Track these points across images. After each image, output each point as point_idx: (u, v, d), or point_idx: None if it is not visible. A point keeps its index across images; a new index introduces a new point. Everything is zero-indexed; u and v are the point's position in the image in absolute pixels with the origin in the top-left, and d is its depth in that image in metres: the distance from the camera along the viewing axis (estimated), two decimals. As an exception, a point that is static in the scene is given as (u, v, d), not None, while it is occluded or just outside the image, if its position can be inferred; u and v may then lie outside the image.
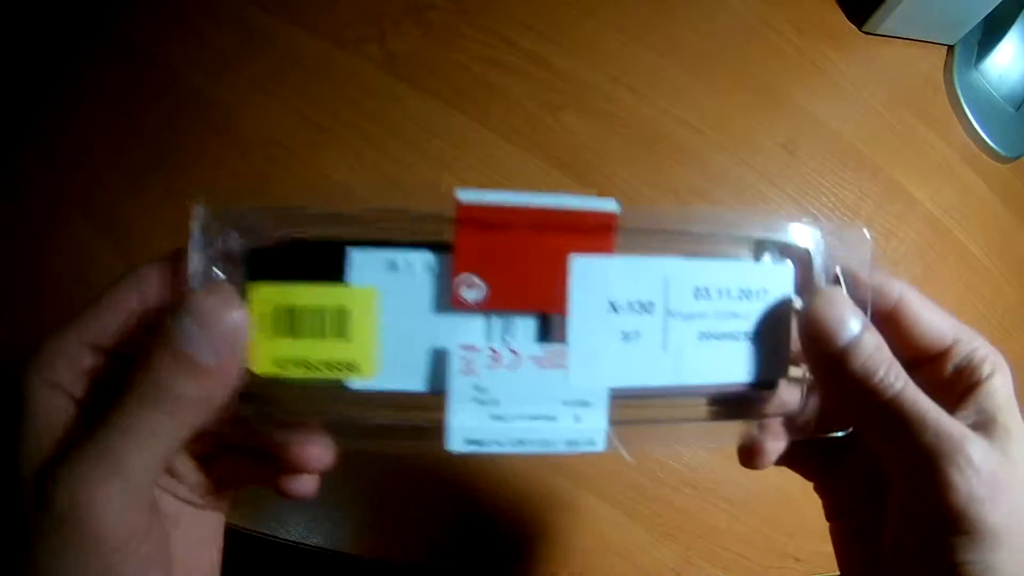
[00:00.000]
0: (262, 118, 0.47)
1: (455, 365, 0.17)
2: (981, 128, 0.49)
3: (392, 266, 0.17)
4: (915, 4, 0.46)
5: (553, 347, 0.18)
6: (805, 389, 0.20)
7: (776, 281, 0.20)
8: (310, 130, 0.47)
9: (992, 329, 0.46)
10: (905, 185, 0.47)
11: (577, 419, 0.18)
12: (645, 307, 0.18)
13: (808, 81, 0.49)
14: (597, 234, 0.18)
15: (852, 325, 0.18)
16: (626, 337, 0.18)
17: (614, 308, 0.18)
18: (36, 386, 0.17)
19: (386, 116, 0.47)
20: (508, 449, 0.18)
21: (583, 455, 0.40)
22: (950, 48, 0.51)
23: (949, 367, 0.19)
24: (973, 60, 0.51)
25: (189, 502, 0.20)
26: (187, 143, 0.48)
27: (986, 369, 0.19)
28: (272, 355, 0.17)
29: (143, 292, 0.19)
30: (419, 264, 0.17)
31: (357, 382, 0.17)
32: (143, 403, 0.16)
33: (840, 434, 0.20)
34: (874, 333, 0.18)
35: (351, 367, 0.17)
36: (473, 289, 0.17)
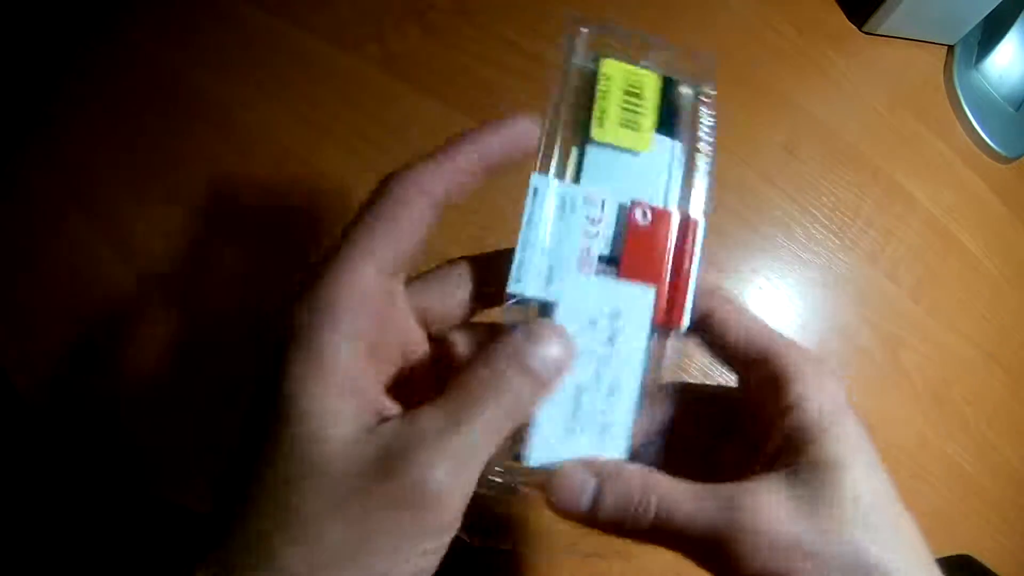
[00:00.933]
0: (262, 118, 0.47)
1: None
2: (981, 128, 0.49)
3: None
4: (915, 4, 0.46)
5: None
6: None
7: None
8: (310, 130, 0.47)
9: (992, 329, 0.46)
10: (905, 185, 0.47)
11: None
12: None
13: (808, 81, 0.49)
14: None
15: (586, 490, 0.20)
16: None
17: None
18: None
19: (386, 116, 0.47)
20: None
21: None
22: (950, 48, 0.51)
23: (758, 385, 0.20)
24: (973, 60, 0.51)
25: None
26: (187, 143, 0.48)
27: (793, 392, 0.19)
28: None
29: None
30: None
31: None
32: (491, 399, 0.17)
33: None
34: (614, 481, 0.20)
35: None
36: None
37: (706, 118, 0.22)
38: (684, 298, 0.21)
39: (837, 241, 0.45)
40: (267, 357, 0.17)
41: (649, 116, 0.21)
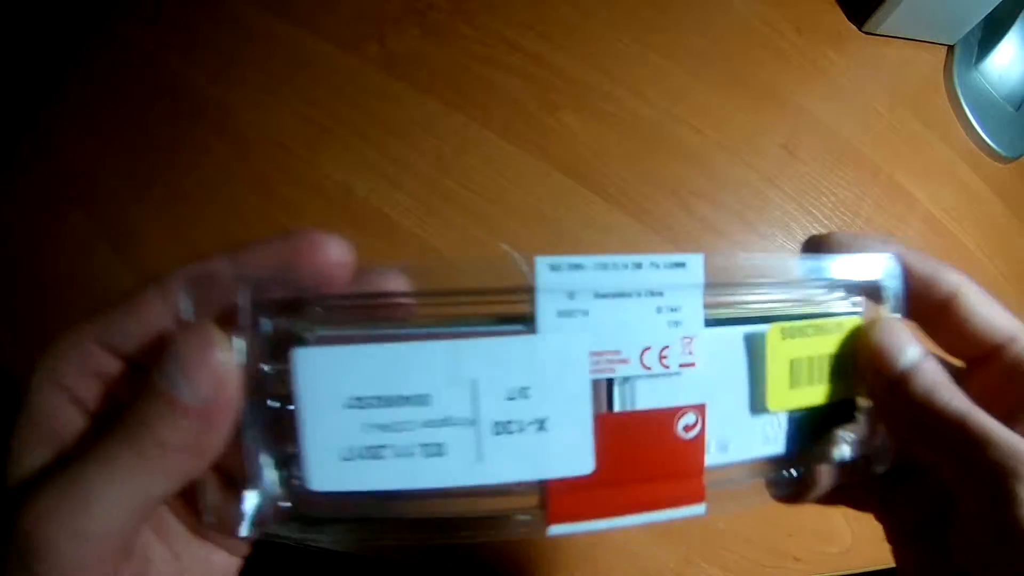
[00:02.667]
0: (262, 118, 0.47)
1: None
2: (981, 128, 0.49)
3: None
4: (915, 4, 0.46)
5: None
6: (865, 427, 0.20)
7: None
8: (310, 130, 0.47)
9: (992, 329, 0.46)
10: (905, 185, 0.47)
11: None
12: None
13: (808, 81, 0.49)
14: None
15: (910, 351, 0.18)
16: None
17: None
18: (42, 383, 0.16)
19: (386, 116, 0.47)
20: None
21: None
22: (950, 48, 0.51)
23: (1002, 367, 0.18)
24: (973, 60, 0.51)
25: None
26: (187, 143, 0.48)
27: None
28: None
29: (169, 304, 0.17)
30: None
31: None
32: (126, 442, 0.14)
33: (882, 469, 0.20)
34: (932, 358, 0.18)
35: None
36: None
37: None
38: None
39: (837, 241, 0.45)
40: None
41: None
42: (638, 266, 0.17)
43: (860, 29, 0.50)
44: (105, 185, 0.48)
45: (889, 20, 0.48)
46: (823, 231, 0.45)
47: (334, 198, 0.45)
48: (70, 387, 0.16)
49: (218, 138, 0.48)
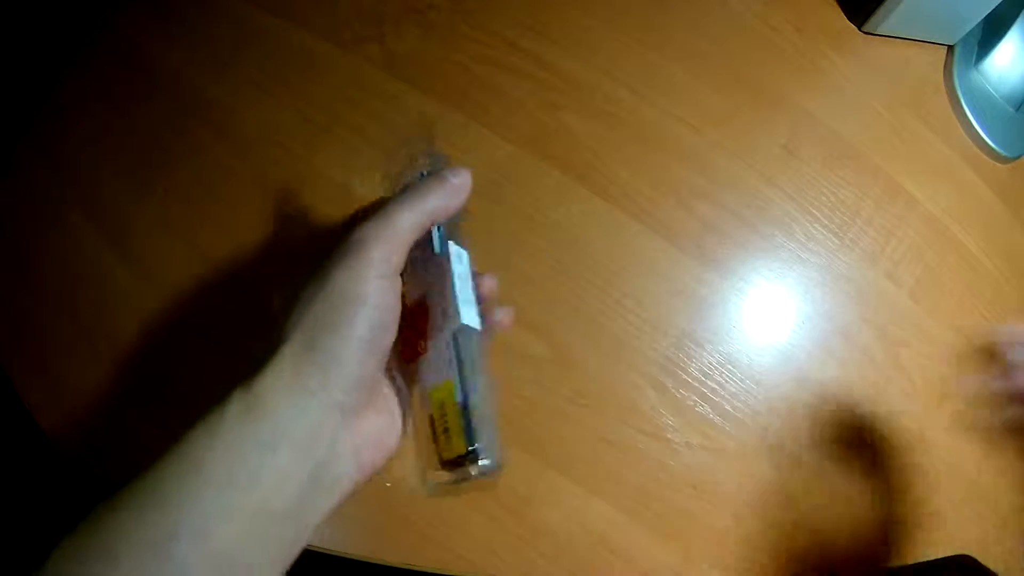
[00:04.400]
0: (262, 118, 0.47)
1: None
2: (981, 128, 0.49)
3: None
4: (915, 4, 0.46)
5: None
6: None
7: None
8: (310, 130, 0.47)
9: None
10: (905, 185, 0.47)
11: None
12: None
13: (808, 81, 0.49)
14: None
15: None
16: None
17: None
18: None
19: (386, 116, 0.47)
20: None
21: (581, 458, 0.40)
22: (950, 48, 0.51)
23: None
24: (973, 60, 0.51)
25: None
26: (187, 143, 0.48)
27: None
28: None
29: None
30: None
31: None
32: (411, 191, 0.26)
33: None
34: None
35: None
36: None
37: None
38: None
39: (837, 241, 0.45)
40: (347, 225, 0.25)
41: None
42: None
43: (860, 29, 0.50)
44: (105, 185, 0.48)
45: (889, 20, 0.48)
46: (823, 231, 0.45)
47: (334, 198, 0.45)
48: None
49: (218, 138, 0.48)
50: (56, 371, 0.44)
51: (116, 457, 0.42)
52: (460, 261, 0.28)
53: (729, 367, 0.42)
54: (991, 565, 0.41)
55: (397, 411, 0.27)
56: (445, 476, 0.26)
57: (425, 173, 0.29)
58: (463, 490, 0.27)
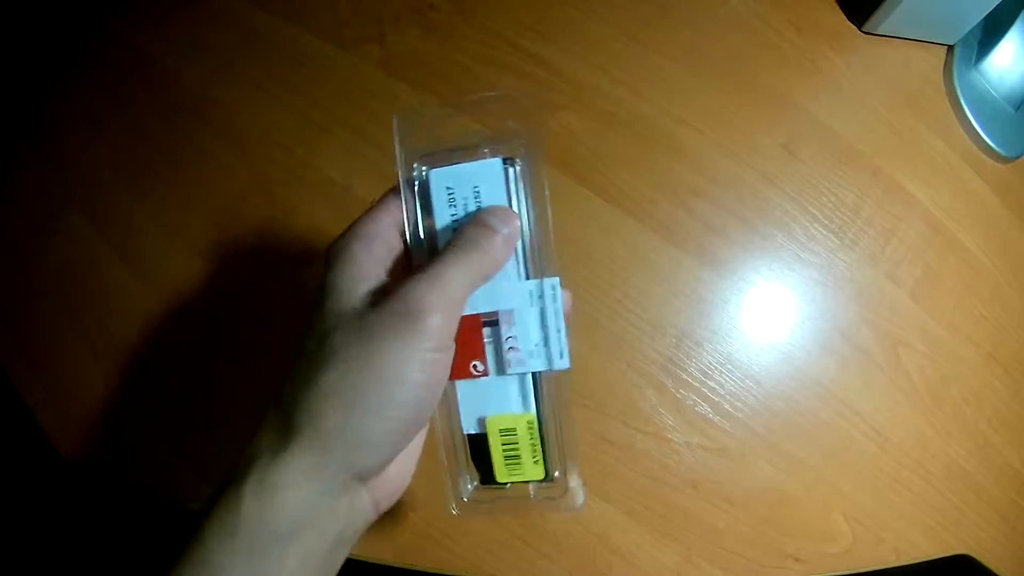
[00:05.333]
0: (262, 118, 0.47)
1: None
2: (981, 128, 0.49)
3: None
4: (915, 4, 0.46)
5: None
6: None
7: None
8: (310, 130, 0.47)
9: (992, 329, 0.46)
10: (905, 185, 0.47)
11: None
12: None
13: (808, 81, 0.49)
14: None
15: None
16: None
17: None
18: (354, 247, 0.24)
19: (386, 116, 0.47)
20: None
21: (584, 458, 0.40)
22: (950, 48, 0.51)
23: None
24: (973, 60, 0.51)
25: None
26: (187, 143, 0.48)
27: None
28: None
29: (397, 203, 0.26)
30: None
31: None
32: (463, 249, 0.23)
33: None
34: None
35: None
36: None
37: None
38: None
39: (837, 241, 0.45)
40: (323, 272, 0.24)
41: None
42: None
43: (860, 29, 0.50)
44: (104, 185, 0.48)
45: (889, 20, 0.48)
46: (823, 231, 0.45)
47: (334, 198, 0.45)
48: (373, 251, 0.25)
49: (218, 138, 0.48)
50: (56, 371, 0.44)
51: (115, 457, 0.42)
52: (555, 295, 0.25)
53: (729, 367, 0.42)
54: (991, 565, 0.41)
55: (417, 442, 0.25)
56: (489, 495, 0.26)
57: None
58: (497, 510, 0.27)
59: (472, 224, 0.24)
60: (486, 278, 0.24)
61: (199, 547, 0.21)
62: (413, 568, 0.38)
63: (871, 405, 0.43)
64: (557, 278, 0.25)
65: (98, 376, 0.43)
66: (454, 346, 0.23)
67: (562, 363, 0.25)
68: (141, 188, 0.47)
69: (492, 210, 0.25)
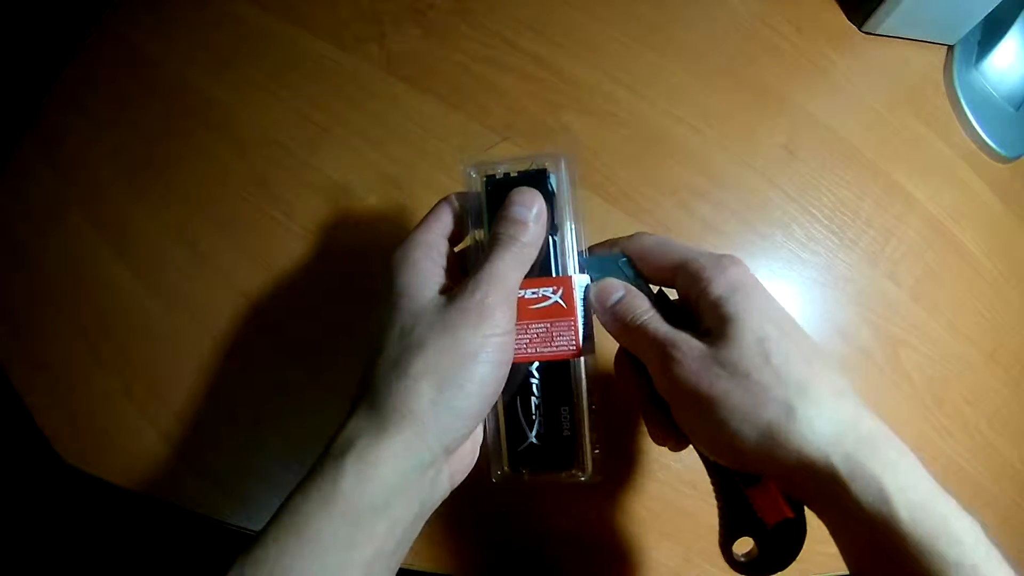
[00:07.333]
0: (262, 118, 0.47)
1: None
2: (981, 128, 0.49)
3: None
4: (915, 4, 0.46)
5: None
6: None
7: None
8: (310, 130, 0.47)
9: (992, 329, 0.46)
10: (905, 185, 0.47)
11: None
12: None
13: (808, 81, 0.49)
14: None
15: (615, 294, 0.30)
16: None
17: None
18: (420, 252, 0.29)
19: (386, 116, 0.47)
20: None
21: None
22: (950, 48, 0.51)
23: (679, 285, 0.29)
24: (973, 60, 0.51)
25: None
26: (187, 143, 0.48)
27: (704, 280, 0.27)
28: None
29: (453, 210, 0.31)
30: None
31: None
32: (505, 247, 0.28)
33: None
34: (634, 294, 0.29)
35: None
36: None
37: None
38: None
39: (837, 241, 0.45)
40: (385, 278, 0.28)
41: None
42: None
43: (860, 29, 0.50)
44: (104, 184, 0.48)
45: (889, 20, 0.48)
46: (823, 231, 0.45)
47: (334, 198, 0.45)
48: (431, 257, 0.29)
49: (218, 138, 0.48)
50: (56, 371, 0.44)
51: (115, 457, 0.42)
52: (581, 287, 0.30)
53: (729, 367, 0.42)
54: (991, 565, 0.41)
55: (480, 426, 0.29)
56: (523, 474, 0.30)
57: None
58: (530, 483, 0.30)
59: (505, 221, 0.29)
60: (530, 261, 0.29)
61: (294, 514, 0.23)
62: (413, 568, 0.38)
63: (871, 405, 0.42)
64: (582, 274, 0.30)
65: (98, 376, 0.43)
66: (515, 329, 0.28)
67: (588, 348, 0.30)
68: (141, 188, 0.47)
69: (518, 199, 0.29)
